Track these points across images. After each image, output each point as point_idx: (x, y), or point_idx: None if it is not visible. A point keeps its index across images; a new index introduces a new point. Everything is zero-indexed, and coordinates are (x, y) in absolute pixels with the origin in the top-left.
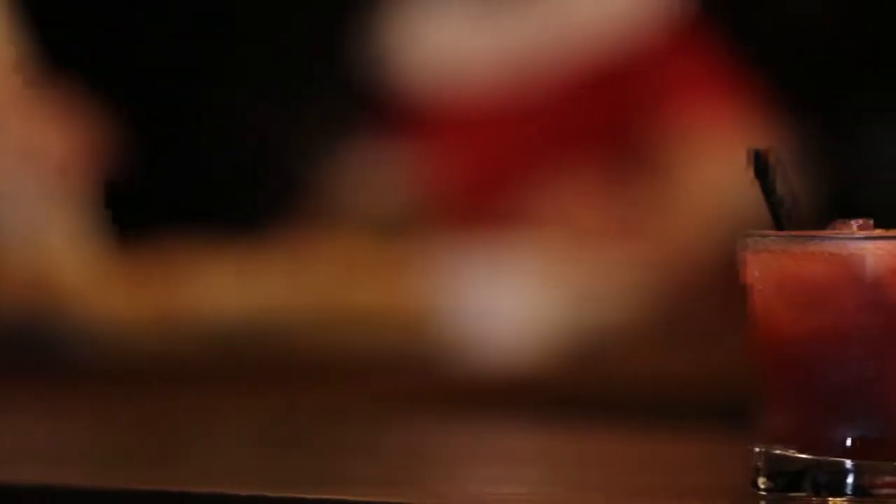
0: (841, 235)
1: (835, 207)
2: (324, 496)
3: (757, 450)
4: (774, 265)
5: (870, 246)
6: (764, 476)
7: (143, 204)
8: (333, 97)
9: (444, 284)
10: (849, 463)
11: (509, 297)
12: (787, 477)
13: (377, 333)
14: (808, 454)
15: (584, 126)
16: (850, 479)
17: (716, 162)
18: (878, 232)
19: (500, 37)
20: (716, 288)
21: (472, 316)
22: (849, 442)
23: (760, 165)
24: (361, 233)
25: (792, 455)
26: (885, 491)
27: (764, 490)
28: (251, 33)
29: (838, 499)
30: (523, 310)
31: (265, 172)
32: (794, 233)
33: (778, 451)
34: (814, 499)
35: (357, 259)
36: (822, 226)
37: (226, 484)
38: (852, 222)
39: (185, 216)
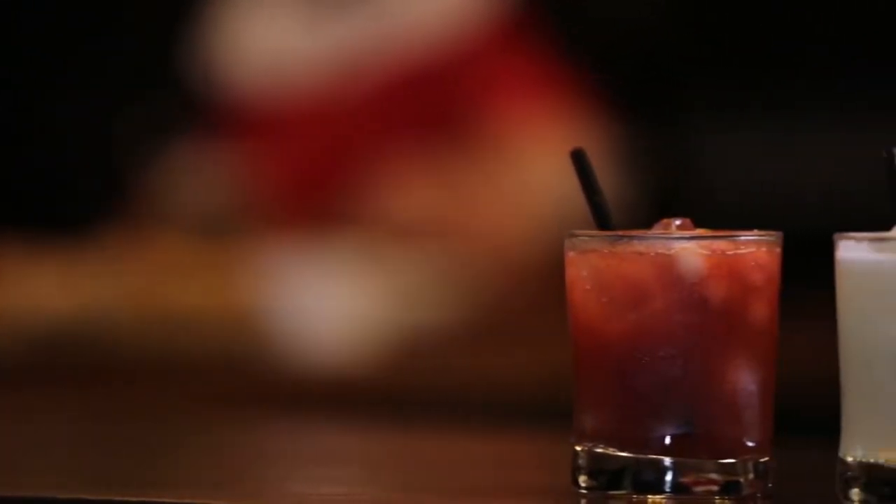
0: (661, 235)
1: (659, 207)
2: (145, 498)
3: (578, 448)
4: (599, 264)
5: (688, 245)
6: (585, 474)
7: None
8: (158, 98)
9: (267, 285)
10: (667, 460)
11: (331, 297)
12: (607, 475)
13: (200, 334)
14: (628, 452)
15: (408, 125)
16: (668, 477)
17: (540, 161)
18: (699, 232)
19: (324, 37)
20: (539, 287)
21: (295, 316)
22: (667, 440)
23: (581, 165)
24: (184, 233)
25: (612, 453)
26: (702, 488)
27: (585, 488)
28: (75, 32)
29: (657, 496)
30: (345, 309)
31: (88, 173)
32: (618, 232)
33: (598, 450)
34: (634, 496)
35: (179, 260)
36: (647, 225)
37: (46, 487)
38: (673, 222)
39: (5, 217)
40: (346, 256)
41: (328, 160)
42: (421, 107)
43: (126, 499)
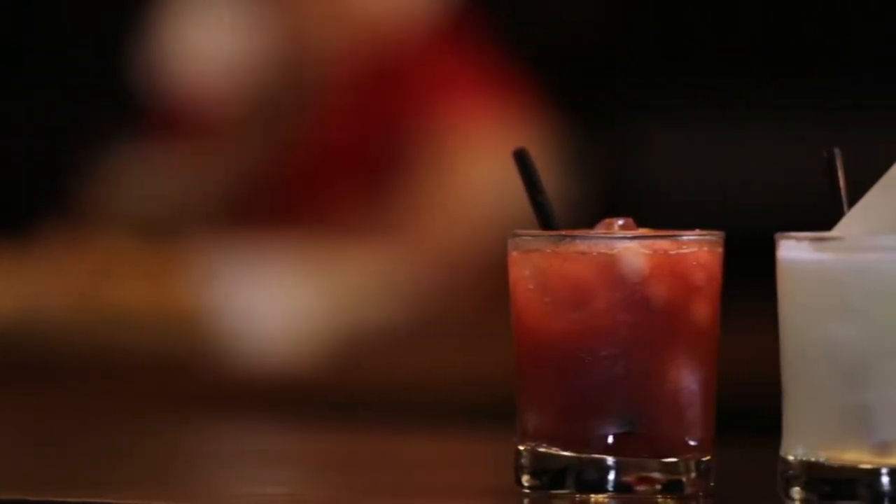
0: (604, 235)
1: (603, 206)
2: (86, 499)
3: (521, 448)
4: (542, 264)
5: (631, 245)
6: (528, 474)
7: None
8: (100, 98)
9: (211, 285)
10: (610, 460)
11: (275, 297)
12: (550, 474)
13: (143, 334)
14: (571, 452)
15: (349, 126)
16: (611, 476)
17: (483, 160)
18: (641, 231)
19: (264, 39)
20: (482, 287)
21: (239, 316)
22: (610, 439)
23: (524, 164)
24: (127, 234)
25: (555, 453)
26: (644, 487)
27: (528, 488)
28: (18, 37)
29: (600, 495)
30: (289, 309)
31: (30, 173)
32: (560, 232)
33: (541, 449)
34: (577, 496)
35: (122, 260)
36: (591, 225)
37: None
38: (616, 222)
39: None
40: (289, 256)
41: (269, 161)
42: (363, 107)
43: (67, 500)
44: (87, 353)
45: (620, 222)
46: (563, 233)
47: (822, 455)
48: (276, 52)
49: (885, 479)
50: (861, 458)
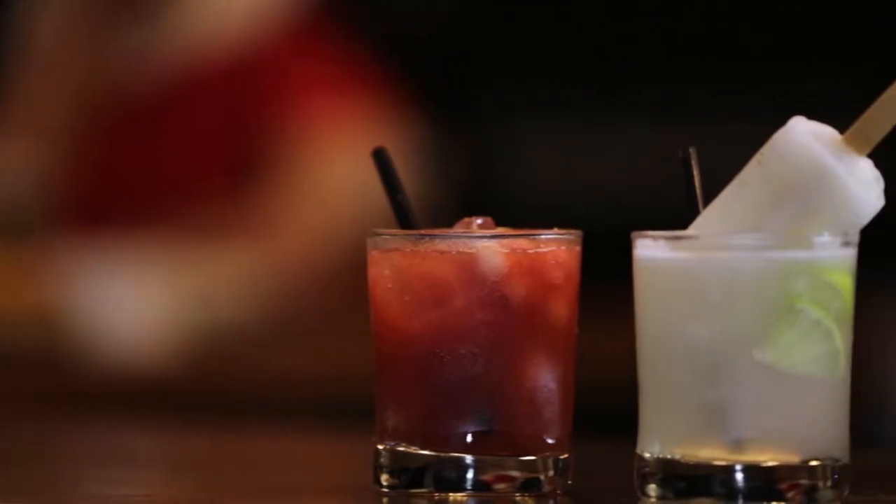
0: (463, 234)
1: (463, 206)
2: None
3: (379, 447)
4: (401, 263)
5: (489, 244)
6: (387, 473)
7: None
8: None
9: (69, 284)
10: (469, 458)
11: (134, 297)
12: (409, 473)
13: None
14: (430, 450)
15: (208, 125)
16: (469, 475)
17: (342, 160)
18: (499, 230)
19: (124, 41)
20: (342, 286)
21: (97, 315)
22: (468, 438)
23: (383, 164)
24: None
25: (414, 451)
26: (502, 485)
27: (387, 487)
28: None
29: (459, 494)
30: (148, 309)
31: None
32: (419, 231)
33: (400, 448)
34: (435, 495)
35: None
36: (452, 225)
37: None
38: (475, 221)
39: None
40: (149, 256)
41: (128, 161)
42: (222, 107)
43: None
44: None
45: (479, 221)
46: (422, 232)
47: (678, 452)
48: (136, 55)
49: (739, 476)
50: (716, 455)
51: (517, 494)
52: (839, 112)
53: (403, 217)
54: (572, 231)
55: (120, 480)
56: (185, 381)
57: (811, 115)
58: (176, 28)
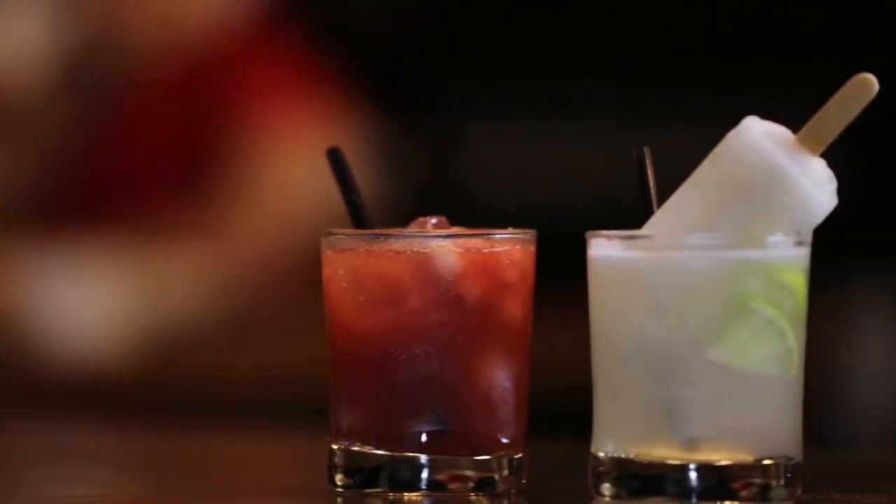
0: (417, 234)
1: (419, 206)
2: None
3: (334, 447)
4: (356, 263)
5: (444, 244)
6: (341, 473)
7: None
8: None
9: (23, 284)
10: (423, 458)
11: (88, 297)
12: (364, 473)
13: None
14: (384, 450)
15: (163, 124)
16: (424, 474)
17: (297, 159)
18: (454, 230)
19: (70, 37)
20: (297, 285)
21: (52, 315)
22: (423, 437)
23: (338, 164)
24: None
25: (368, 451)
26: (457, 485)
27: (341, 487)
28: None
29: (413, 493)
30: (103, 308)
31: None
32: (374, 231)
33: (355, 448)
34: (390, 494)
35: None
36: (405, 224)
37: None
38: (429, 220)
39: None
40: (102, 255)
41: (80, 159)
42: (177, 106)
43: None
44: None
45: (434, 221)
46: (377, 231)
47: (632, 451)
48: (85, 53)
49: (692, 475)
50: (670, 453)
51: (472, 494)
52: (794, 111)
53: (358, 217)
54: (527, 231)
55: (71, 480)
56: (138, 381)
57: (766, 115)
58: (131, 27)
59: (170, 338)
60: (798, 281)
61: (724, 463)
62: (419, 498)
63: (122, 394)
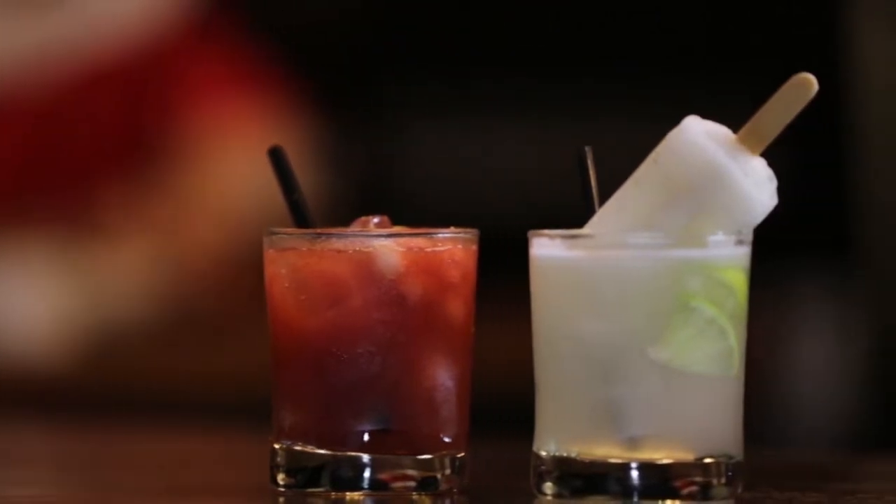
0: (359, 233)
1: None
2: None
3: (276, 446)
4: (298, 262)
5: (386, 243)
6: (283, 472)
7: None
8: None
9: None
10: (365, 457)
11: (29, 296)
12: (306, 473)
13: None
14: (326, 450)
15: (104, 124)
16: (367, 474)
17: (239, 159)
18: (396, 229)
19: (16, 35)
20: (239, 285)
21: None
22: (365, 437)
23: (279, 163)
24: None
25: (310, 451)
26: (399, 484)
27: (283, 486)
28: None
29: (356, 493)
30: (43, 308)
31: None
32: (316, 230)
33: (297, 447)
34: (332, 494)
35: None
36: (346, 223)
37: None
38: (371, 220)
39: None
40: (42, 255)
41: (23, 158)
42: (119, 106)
43: None
44: None
45: (376, 220)
46: (319, 231)
47: (574, 450)
48: (29, 50)
49: (634, 474)
50: (611, 452)
51: (414, 493)
52: (735, 110)
53: (300, 216)
54: (469, 230)
55: (6, 481)
56: (79, 380)
57: (706, 114)
58: (69, 25)
59: (112, 337)
60: (739, 280)
61: (665, 462)
62: (361, 497)
63: (62, 393)
